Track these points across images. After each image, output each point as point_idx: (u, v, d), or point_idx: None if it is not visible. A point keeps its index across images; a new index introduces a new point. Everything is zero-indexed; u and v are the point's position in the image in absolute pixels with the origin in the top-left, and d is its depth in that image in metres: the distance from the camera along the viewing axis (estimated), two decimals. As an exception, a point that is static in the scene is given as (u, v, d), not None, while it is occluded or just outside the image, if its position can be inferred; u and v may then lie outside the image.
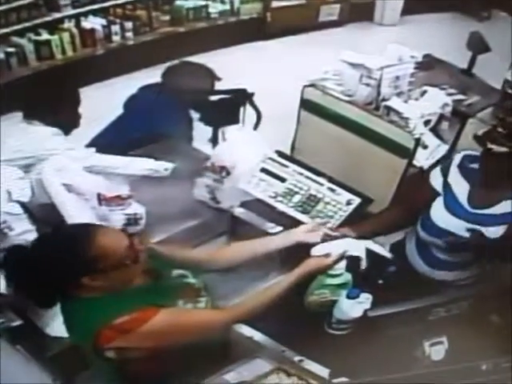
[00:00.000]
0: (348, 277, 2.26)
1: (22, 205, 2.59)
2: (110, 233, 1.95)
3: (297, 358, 2.19)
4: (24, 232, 2.51)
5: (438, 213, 2.63)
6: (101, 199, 2.72)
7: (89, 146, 3.22)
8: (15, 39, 6.02)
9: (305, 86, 3.52)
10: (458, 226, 2.55)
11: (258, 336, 2.30)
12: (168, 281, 2.09)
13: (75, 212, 2.61)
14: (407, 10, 8.29)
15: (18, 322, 2.37)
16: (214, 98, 3.58)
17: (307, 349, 2.20)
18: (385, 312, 2.18)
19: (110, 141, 3.32)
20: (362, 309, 2.16)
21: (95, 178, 2.79)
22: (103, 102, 4.47)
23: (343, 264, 2.23)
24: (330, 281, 2.23)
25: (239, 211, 2.83)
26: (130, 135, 3.25)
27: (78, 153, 2.83)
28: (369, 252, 2.28)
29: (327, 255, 2.21)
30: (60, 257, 1.85)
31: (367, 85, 3.55)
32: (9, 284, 2.07)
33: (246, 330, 2.30)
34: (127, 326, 1.86)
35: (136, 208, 2.77)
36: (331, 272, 2.21)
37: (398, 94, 3.60)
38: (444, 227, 2.60)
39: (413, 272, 2.77)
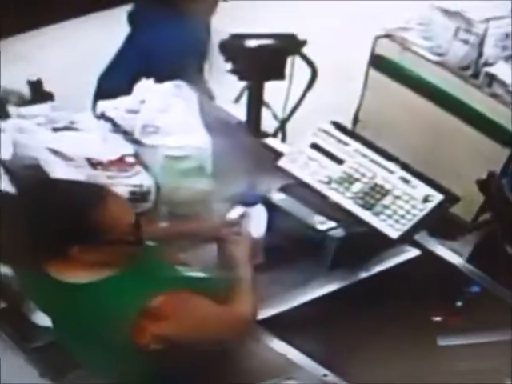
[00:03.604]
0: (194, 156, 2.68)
1: (3, 164, 2.67)
2: (119, 202, 2.12)
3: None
4: None
5: None
6: (93, 164, 2.78)
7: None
8: None
9: (378, 37, 3.54)
10: None
11: (293, 354, 2.38)
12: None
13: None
14: None
15: (1, 305, 2.51)
16: (251, 43, 3.60)
17: (356, 376, 2.28)
18: (459, 342, 2.21)
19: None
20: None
21: (84, 137, 2.88)
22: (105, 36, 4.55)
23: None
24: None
25: (279, 197, 2.87)
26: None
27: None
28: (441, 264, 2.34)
29: None
30: (55, 210, 1.98)
31: (465, 41, 3.52)
32: None
33: (278, 345, 2.39)
34: (165, 309, 2.03)
35: (144, 178, 2.83)
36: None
37: (507, 59, 3.54)
38: None
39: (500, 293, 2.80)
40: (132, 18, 3.90)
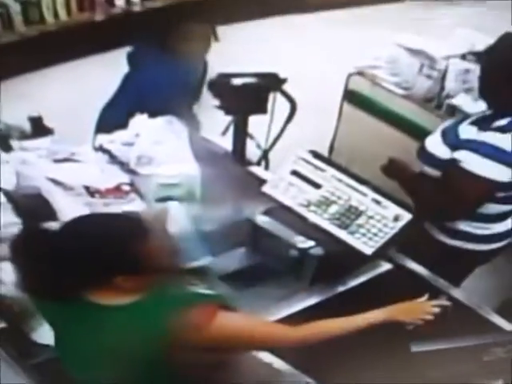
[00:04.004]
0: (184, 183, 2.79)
1: (6, 193, 2.71)
2: (162, 234, 2.18)
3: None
4: (8, 224, 2.60)
5: None
6: (92, 192, 2.83)
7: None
8: (-1, -3, 6.17)
9: (350, 74, 3.63)
10: None
11: (278, 363, 2.39)
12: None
13: (67, 210, 2.70)
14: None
15: (1, 325, 2.49)
16: (236, 81, 3.68)
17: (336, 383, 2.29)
18: (431, 348, 2.27)
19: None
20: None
21: (83, 168, 2.94)
22: (103, 77, 4.62)
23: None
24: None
25: (263, 220, 2.90)
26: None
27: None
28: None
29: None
30: (102, 245, 1.99)
31: (428, 77, 3.62)
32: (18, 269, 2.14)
33: (263, 355, 2.39)
34: (199, 321, 2.03)
35: (138, 205, 2.87)
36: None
37: (467, 91, 3.63)
38: None
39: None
40: (131, 58, 4.00)
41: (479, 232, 3.10)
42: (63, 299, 2.08)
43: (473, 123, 2.97)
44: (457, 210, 3.00)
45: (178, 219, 2.82)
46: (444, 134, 3.00)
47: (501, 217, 3.10)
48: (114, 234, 2.02)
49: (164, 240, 2.13)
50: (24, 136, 3.35)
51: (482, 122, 2.93)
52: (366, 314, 2.31)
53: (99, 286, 2.04)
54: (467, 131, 2.93)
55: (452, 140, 2.94)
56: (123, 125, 3.19)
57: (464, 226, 3.08)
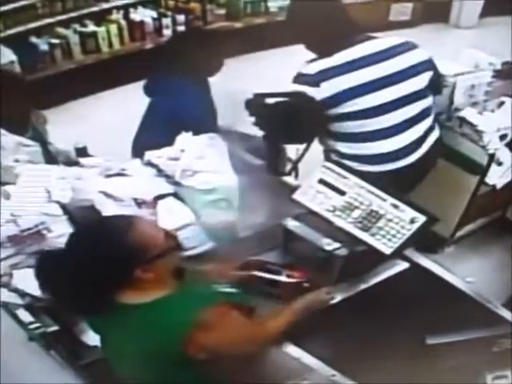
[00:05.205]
0: (223, 192, 2.75)
1: (62, 206, 2.69)
2: (146, 221, 2.14)
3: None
4: (63, 234, 2.56)
5: None
6: (139, 203, 2.81)
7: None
8: (60, 30, 6.24)
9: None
10: None
11: (306, 358, 2.35)
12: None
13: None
14: (487, 12, 8.20)
15: (53, 328, 2.45)
16: (270, 100, 3.64)
17: (360, 374, 2.25)
18: (445, 340, 2.22)
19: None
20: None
21: (132, 181, 2.91)
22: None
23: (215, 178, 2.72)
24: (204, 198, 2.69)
25: (293, 224, 2.86)
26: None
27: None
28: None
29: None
30: (109, 250, 1.98)
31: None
32: (48, 294, 2.15)
33: (293, 351, 2.35)
34: (214, 321, 2.03)
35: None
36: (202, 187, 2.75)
37: (473, 105, 3.62)
38: None
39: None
40: (148, 89, 3.93)
41: (351, 151, 3.24)
42: (96, 307, 2.07)
43: None
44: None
45: (176, 211, 2.83)
46: None
47: (362, 137, 3.20)
48: (110, 236, 2.01)
49: (155, 227, 2.13)
50: (69, 162, 3.31)
51: None
52: (279, 317, 2.34)
53: (124, 284, 2.03)
54: None
55: None
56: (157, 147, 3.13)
57: (341, 148, 3.26)
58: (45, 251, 2.26)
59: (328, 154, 3.40)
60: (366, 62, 3.14)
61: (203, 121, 3.38)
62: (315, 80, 3.16)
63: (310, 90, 3.14)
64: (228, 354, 2.10)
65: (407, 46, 3.23)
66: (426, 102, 3.27)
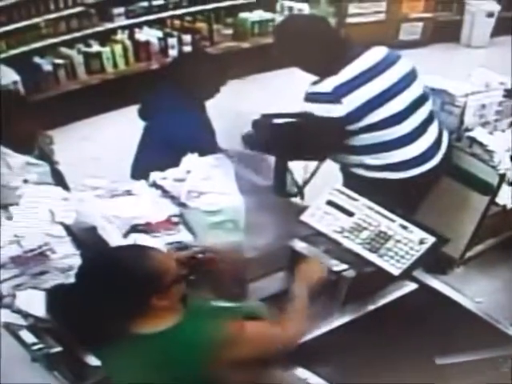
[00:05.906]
0: (229, 213, 2.75)
1: (66, 227, 2.70)
2: (157, 249, 2.19)
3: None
4: (67, 256, 2.60)
5: None
6: (143, 224, 2.82)
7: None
8: (64, 50, 6.30)
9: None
10: None
11: (313, 379, 2.37)
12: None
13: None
14: (498, 31, 8.28)
15: (56, 349, 2.45)
16: (277, 120, 3.67)
17: None
18: (454, 361, 2.23)
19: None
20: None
21: (137, 202, 2.93)
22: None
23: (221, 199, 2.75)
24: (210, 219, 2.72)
25: (301, 246, 2.88)
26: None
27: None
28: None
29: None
30: (125, 281, 2.00)
31: (449, 113, 3.62)
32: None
33: (299, 372, 2.37)
34: (236, 334, 2.06)
35: (184, 236, 2.84)
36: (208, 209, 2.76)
37: (483, 125, 3.64)
38: None
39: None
40: (142, 112, 3.94)
41: (379, 162, 3.26)
42: (108, 338, 2.09)
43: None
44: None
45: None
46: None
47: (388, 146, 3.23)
48: (121, 262, 2.04)
49: (166, 254, 2.19)
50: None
51: None
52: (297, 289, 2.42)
53: (140, 314, 2.05)
54: None
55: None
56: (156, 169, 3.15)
57: (367, 160, 3.27)
58: (55, 286, 2.30)
59: (348, 170, 3.42)
60: (375, 72, 3.20)
61: (200, 141, 3.38)
62: (335, 97, 3.17)
63: (331, 108, 3.16)
64: (258, 360, 2.14)
65: (396, 55, 3.34)
66: (430, 103, 3.37)
